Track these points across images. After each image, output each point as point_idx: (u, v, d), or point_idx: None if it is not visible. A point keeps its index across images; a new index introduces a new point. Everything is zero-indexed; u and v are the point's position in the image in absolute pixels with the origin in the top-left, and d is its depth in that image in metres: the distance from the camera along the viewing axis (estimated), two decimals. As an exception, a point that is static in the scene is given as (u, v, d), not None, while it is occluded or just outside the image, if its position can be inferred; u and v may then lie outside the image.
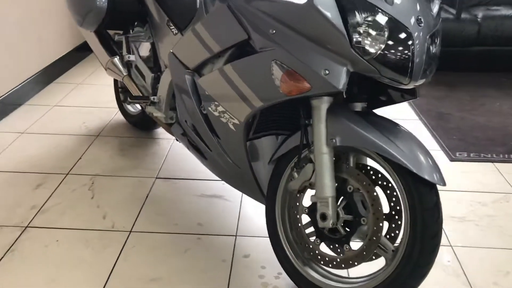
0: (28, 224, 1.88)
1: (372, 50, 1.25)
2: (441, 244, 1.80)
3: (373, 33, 1.24)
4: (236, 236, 1.85)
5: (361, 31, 1.24)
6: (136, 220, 1.93)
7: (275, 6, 1.36)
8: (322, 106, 1.40)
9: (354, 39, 1.25)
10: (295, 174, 1.50)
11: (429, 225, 1.32)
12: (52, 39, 3.46)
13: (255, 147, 1.70)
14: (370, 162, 1.46)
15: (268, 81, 1.39)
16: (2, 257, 1.70)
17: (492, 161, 2.47)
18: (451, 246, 1.83)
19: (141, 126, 2.66)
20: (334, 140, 1.38)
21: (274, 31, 1.37)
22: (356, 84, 1.52)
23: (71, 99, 3.14)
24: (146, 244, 1.80)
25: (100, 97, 3.15)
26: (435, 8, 1.36)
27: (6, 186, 2.14)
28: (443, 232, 1.87)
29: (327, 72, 1.30)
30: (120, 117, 2.80)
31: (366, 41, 1.25)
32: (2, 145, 2.49)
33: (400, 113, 3.06)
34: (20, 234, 1.82)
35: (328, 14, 1.25)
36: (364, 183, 1.40)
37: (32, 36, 3.20)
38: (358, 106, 1.54)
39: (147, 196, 2.09)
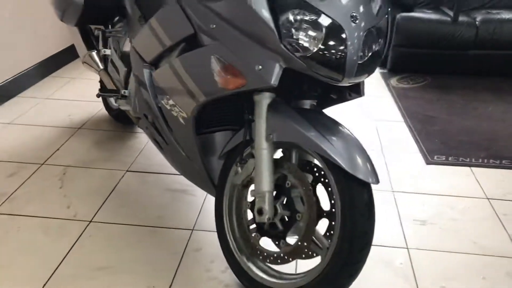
0: (-6, 211, 1.94)
1: (302, 47, 1.25)
2: (396, 246, 1.81)
3: (304, 29, 1.25)
4: (192, 230, 1.87)
5: (292, 27, 1.25)
6: (98, 210, 1.97)
7: (216, 1, 1.38)
8: (263, 101, 1.40)
9: (284, 35, 1.25)
10: (239, 169, 1.52)
11: (358, 224, 1.31)
12: (50, 34, 3.54)
13: (210, 142, 1.72)
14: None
15: (209, 75, 1.41)
16: (-37, 241, 1.76)
17: (470, 165, 2.42)
18: (407, 248, 1.81)
19: (122, 120, 2.70)
20: (271, 136, 1.39)
21: (214, 26, 1.39)
22: (306, 82, 1.53)
23: (63, 93, 3.21)
24: (103, 234, 1.83)
25: (90, 91, 3.21)
26: (377, 4, 1.35)
27: (-20, 174, 2.21)
28: (402, 234, 1.88)
29: (260, 67, 1.30)
30: (105, 111, 2.85)
31: (296, 38, 1.25)
32: (-15, 134, 2.57)
33: (385, 114, 3.03)
34: (-16, 220, 1.88)
35: (259, 9, 1.25)
36: (301, 180, 1.41)
37: (28, 29, 3.28)
38: (307, 104, 1.54)
39: (114, 188, 2.13)
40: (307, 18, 1.25)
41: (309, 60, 1.26)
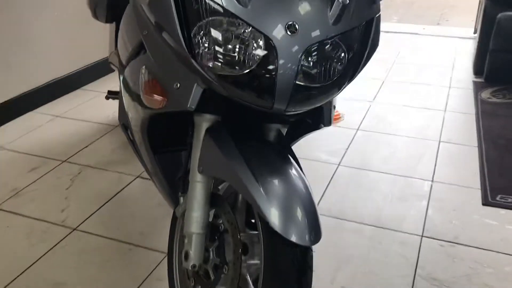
0: (-4, 206, 1.97)
1: (218, 66, 0.99)
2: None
3: (220, 44, 0.98)
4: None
5: (204, 40, 0.99)
6: (87, 218, 1.89)
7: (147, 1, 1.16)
8: (202, 124, 1.17)
9: (197, 50, 1.00)
10: (181, 199, 1.30)
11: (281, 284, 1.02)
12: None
13: (175, 161, 1.52)
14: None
15: (138, 90, 1.21)
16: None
17: (543, 214, 1.88)
18: (408, 317, 1.43)
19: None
20: (201, 168, 1.15)
21: (146, 32, 1.18)
22: None
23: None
24: (78, 246, 1.75)
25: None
26: (339, 9, 1.01)
27: (6, 165, 2.28)
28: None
29: (178, 85, 1.08)
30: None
31: (210, 54, 0.99)
32: (32, 126, 2.67)
33: (456, 134, 2.52)
34: (-17, 215, 1.92)
35: (169, 13, 1.01)
36: (231, 224, 1.15)
37: (98, 23, 3.36)
38: (273, 130, 1.26)
39: (115, 195, 2.04)
40: (223, 29, 0.98)
41: (227, 83, 1.00)
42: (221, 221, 1.19)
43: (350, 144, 2.44)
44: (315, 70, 1.01)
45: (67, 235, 1.80)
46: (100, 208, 1.95)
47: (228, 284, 1.15)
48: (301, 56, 0.98)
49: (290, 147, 1.27)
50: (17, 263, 1.66)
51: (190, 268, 1.17)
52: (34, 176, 2.19)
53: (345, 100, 2.88)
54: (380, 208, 1.94)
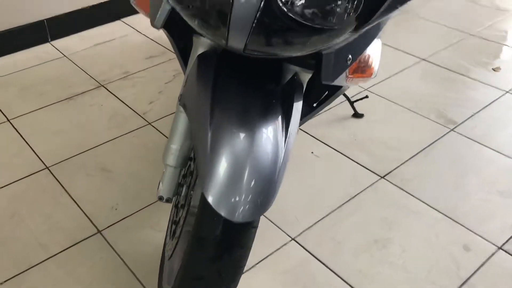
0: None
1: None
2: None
3: None
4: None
5: None
6: (164, 117, 1.93)
7: None
8: (198, 48, 1.02)
9: None
10: None
11: (193, 262, 0.88)
12: None
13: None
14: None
15: None
16: None
17: None
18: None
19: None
20: (180, 97, 1.02)
21: None
22: None
23: None
24: (143, 140, 1.81)
25: None
26: None
27: (131, 48, 2.42)
28: None
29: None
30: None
31: None
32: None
33: None
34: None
35: None
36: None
37: None
38: (288, 72, 1.04)
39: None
40: None
41: (185, 5, 0.81)
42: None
43: None
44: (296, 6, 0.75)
45: (139, 127, 1.87)
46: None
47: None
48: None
49: (295, 98, 1.02)
50: (89, 139, 1.81)
51: (157, 199, 1.10)
52: (148, 63, 2.29)
53: None
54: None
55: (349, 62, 0.93)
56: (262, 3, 0.74)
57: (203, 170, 0.84)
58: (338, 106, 1.96)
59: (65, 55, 2.36)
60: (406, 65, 2.23)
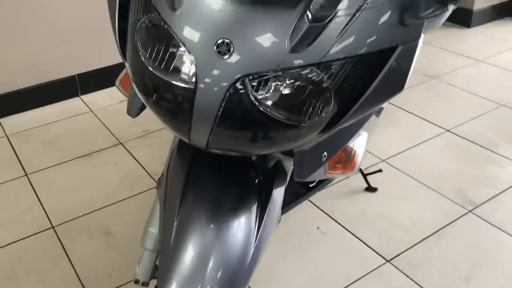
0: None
1: (139, 76, 0.81)
2: None
3: (146, 45, 0.79)
4: None
5: (139, 39, 0.81)
6: (174, 179, 1.93)
7: None
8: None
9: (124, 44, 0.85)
10: None
11: None
12: None
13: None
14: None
15: None
16: None
17: None
18: None
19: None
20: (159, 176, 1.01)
21: None
22: None
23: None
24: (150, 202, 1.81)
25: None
26: (300, 30, 0.71)
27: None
28: None
29: (131, 85, 0.94)
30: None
31: (135, 59, 0.81)
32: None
33: None
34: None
35: (112, 7, 0.86)
36: None
37: None
38: (271, 159, 1.03)
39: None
40: (150, 30, 0.78)
41: (148, 97, 0.82)
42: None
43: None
44: (244, 103, 0.74)
45: (149, 189, 1.88)
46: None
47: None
48: (230, 87, 0.72)
49: (276, 186, 0.98)
50: (98, 199, 1.83)
51: (134, 282, 1.08)
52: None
53: None
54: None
55: (324, 159, 0.90)
56: (226, 95, 0.73)
57: (163, 261, 0.82)
58: (351, 177, 1.90)
59: (91, 110, 2.44)
60: (428, 136, 2.16)
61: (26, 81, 2.41)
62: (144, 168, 2.00)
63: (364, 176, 1.83)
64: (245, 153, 0.82)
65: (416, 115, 2.32)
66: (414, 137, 2.15)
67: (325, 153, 0.89)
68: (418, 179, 1.89)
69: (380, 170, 1.83)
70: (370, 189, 1.84)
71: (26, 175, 1.98)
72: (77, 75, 2.52)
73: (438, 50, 3.00)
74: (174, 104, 0.79)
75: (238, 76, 0.72)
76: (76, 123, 2.34)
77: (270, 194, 0.96)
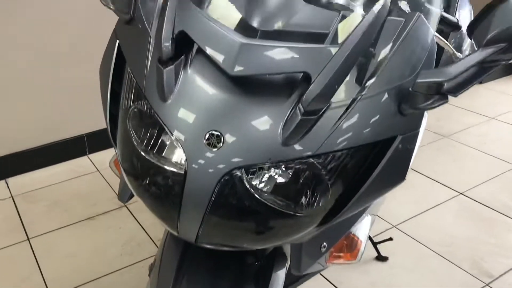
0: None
1: (129, 161, 0.78)
2: None
3: (138, 132, 0.77)
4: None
5: (128, 126, 0.79)
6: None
7: None
8: None
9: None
10: None
11: None
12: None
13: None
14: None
15: None
16: None
17: None
18: None
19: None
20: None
21: None
22: None
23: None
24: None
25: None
26: (292, 122, 0.68)
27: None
28: None
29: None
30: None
31: (126, 148, 0.79)
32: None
33: None
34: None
35: (104, 92, 0.85)
36: None
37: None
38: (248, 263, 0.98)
39: None
40: (142, 117, 0.77)
41: (137, 183, 0.79)
42: None
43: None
44: (235, 196, 0.70)
45: (150, 256, 1.83)
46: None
47: None
48: (220, 179, 0.69)
49: (276, 270, 0.93)
50: (98, 267, 1.78)
51: None
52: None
53: None
54: None
55: (323, 250, 0.85)
56: (216, 187, 0.69)
57: None
58: (361, 245, 1.83)
59: (98, 170, 2.43)
60: (440, 200, 2.09)
61: (35, 140, 2.42)
62: (146, 232, 1.95)
63: (374, 244, 1.76)
64: (239, 247, 0.78)
65: (427, 177, 2.26)
66: (426, 200, 2.09)
67: (324, 243, 0.84)
68: (430, 247, 1.81)
69: (390, 239, 1.76)
70: (380, 258, 1.76)
71: (28, 239, 1.94)
72: (86, 134, 2.53)
73: (449, 107, 2.97)
74: (163, 191, 0.75)
75: (228, 169, 0.69)
76: (83, 184, 2.32)
77: (269, 280, 0.91)
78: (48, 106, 2.39)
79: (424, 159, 2.39)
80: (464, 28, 1.42)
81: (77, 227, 2.01)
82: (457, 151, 2.49)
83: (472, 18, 1.74)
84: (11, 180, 2.36)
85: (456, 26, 1.09)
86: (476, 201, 2.07)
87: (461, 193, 2.13)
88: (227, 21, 0.74)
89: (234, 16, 0.75)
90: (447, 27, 1.08)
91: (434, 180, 2.23)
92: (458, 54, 1.05)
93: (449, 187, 2.17)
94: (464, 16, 1.58)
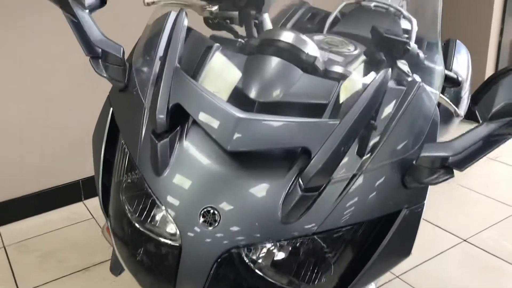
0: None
1: (121, 233, 0.76)
2: None
3: (131, 203, 0.75)
4: None
5: (121, 197, 0.77)
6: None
7: None
8: None
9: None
10: None
11: None
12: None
13: None
14: None
15: None
16: None
17: None
18: None
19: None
20: None
21: None
22: None
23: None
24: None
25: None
26: (292, 200, 0.66)
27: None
28: None
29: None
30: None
31: (120, 224, 0.76)
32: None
33: None
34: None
35: (96, 163, 0.82)
36: None
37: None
38: None
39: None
40: (135, 188, 0.74)
41: (129, 255, 0.76)
42: None
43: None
44: (228, 274, 0.67)
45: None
46: None
47: None
48: (217, 259, 0.66)
49: None
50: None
51: None
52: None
53: None
54: None
55: None
56: (213, 268, 0.66)
57: None
58: (364, 297, 1.77)
59: (93, 217, 2.38)
60: (444, 247, 2.04)
61: (29, 187, 2.38)
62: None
63: (377, 298, 1.71)
64: None
65: (430, 222, 2.21)
66: (428, 248, 2.04)
67: None
68: (436, 300, 1.75)
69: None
70: (384, 312, 1.70)
71: (18, 293, 1.88)
72: (81, 180, 2.50)
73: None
74: (156, 263, 0.72)
75: (226, 248, 0.65)
76: (77, 232, 2.27)
77: None
78: (42, 151, 2.36)
79: (426, 203, 2.35)
80: (464, 85, 1.42)
81: (71, 279, 1.95)
82: (460, 195, 2.45)
83: (470, 66, 1.73)
84: (4, 229, 2.30)
85: (457, 83, 1.07)
86: (481, 248, 2.02)
87: (464, 240, 2.08)
88: (224, 92, 0.72)
89: (230, 86, 0.73)
90: (447, 83, 1.07)
91: (436, 225, 2.19)
92: (460, 112, 1.03)
93: (452, 233, 2.12)
94: (461, 61, 1.58)
